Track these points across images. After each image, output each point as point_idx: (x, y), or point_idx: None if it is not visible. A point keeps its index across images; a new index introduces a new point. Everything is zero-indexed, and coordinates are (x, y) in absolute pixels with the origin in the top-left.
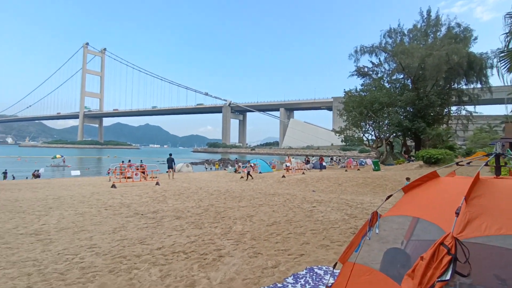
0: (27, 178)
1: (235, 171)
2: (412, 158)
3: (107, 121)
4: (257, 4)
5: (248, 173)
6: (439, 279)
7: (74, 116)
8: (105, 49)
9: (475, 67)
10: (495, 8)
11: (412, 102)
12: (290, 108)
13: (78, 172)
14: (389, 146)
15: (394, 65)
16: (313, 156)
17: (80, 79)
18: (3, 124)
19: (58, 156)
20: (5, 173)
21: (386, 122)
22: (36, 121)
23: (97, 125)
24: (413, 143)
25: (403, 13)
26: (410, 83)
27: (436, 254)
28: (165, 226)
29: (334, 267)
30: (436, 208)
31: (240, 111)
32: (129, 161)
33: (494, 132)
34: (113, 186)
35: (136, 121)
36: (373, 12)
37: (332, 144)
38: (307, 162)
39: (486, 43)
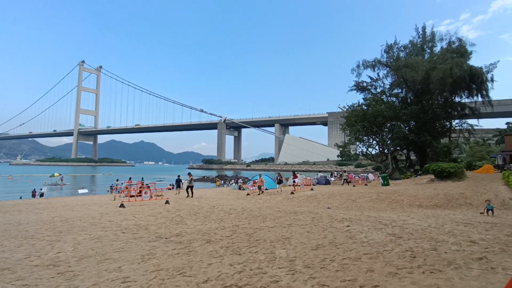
0: (21, 198)
1: (239, 188)
2: (419, 172)
3: (101, 139)
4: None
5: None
6: None
7: (69, 134)
8: (101, 66)
9: (476, 80)
10: (479, 27)
11: (417, 116)
12: (285, 124)
13: (86, 191)
14: (394, 161)
15: (393, 79)
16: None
17: (75, 97)
18: None
19: (56, 174)
20: None
21: (390, 136)
22: (29, 139)
23: (91, 143)
24: (415, 157)
25: (388, 32)
26: (411, 97)
27: None
28: (198, 252)
29: None
30: None
31: (235, 127)
32: (130, 179)
33: (487, 145)
34: (122, 205)
35: (130, 138)
36: (365, 31)
37: (328, 159)
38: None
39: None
